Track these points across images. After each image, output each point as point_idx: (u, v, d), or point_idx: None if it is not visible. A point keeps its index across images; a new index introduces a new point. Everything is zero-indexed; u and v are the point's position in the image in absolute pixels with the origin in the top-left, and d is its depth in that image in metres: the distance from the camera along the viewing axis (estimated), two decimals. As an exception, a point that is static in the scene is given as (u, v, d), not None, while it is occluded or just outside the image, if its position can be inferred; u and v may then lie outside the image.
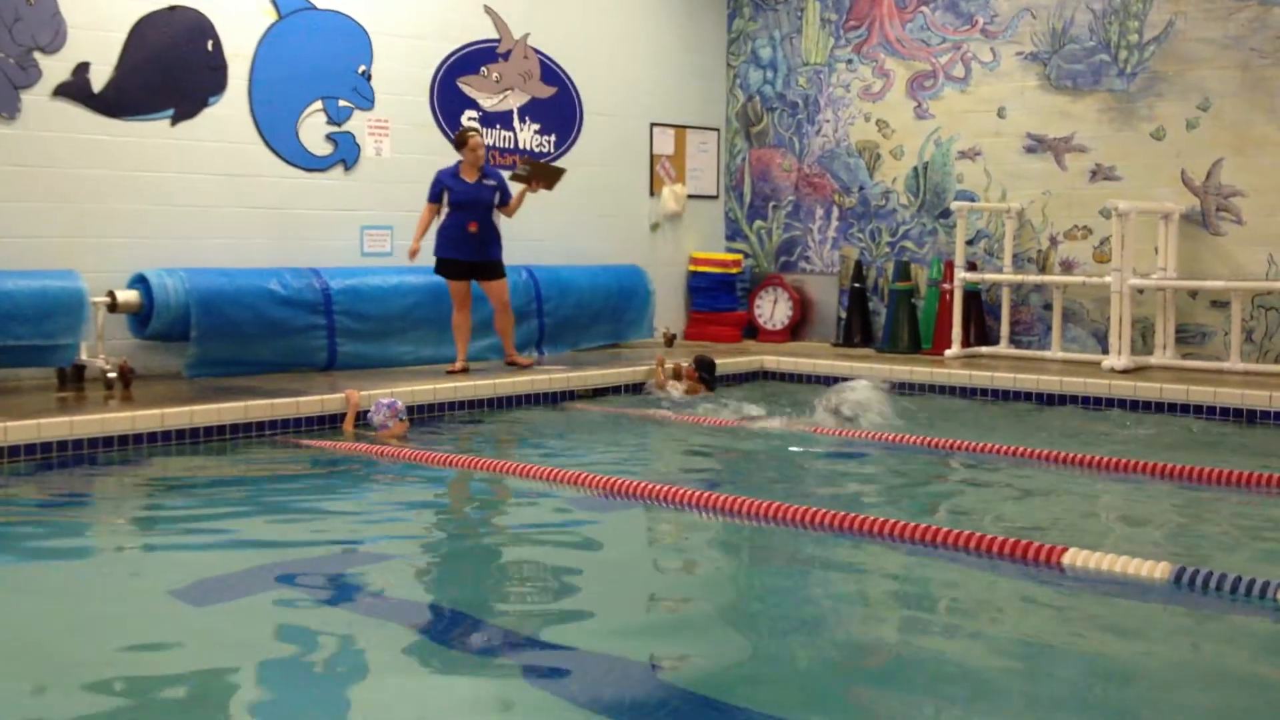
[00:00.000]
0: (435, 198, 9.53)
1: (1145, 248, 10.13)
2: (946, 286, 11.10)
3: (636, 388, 9.75)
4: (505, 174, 9.89)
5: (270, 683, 3.85)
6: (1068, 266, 10.87)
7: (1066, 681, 3.85)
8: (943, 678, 3.87)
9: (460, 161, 9.59)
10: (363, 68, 10.29)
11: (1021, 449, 7.30)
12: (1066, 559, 4.88)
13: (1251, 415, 8.45)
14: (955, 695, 3.73)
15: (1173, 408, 8.77)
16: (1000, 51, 11.23)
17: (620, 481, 6.34)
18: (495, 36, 11.16)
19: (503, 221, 9.79)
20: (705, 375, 9.74)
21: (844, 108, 12.22)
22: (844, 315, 12.06)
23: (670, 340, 11.64)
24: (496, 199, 9.62)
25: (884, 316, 11.67)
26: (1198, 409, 8.67)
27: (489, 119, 11.10)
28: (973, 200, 11.31)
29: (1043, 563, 4.92)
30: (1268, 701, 3.73)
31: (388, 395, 8.10)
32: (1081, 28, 10.76)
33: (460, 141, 9.62)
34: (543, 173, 9.89)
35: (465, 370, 9.46)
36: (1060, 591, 4.78)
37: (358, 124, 10.27)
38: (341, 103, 10.19)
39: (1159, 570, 4.68)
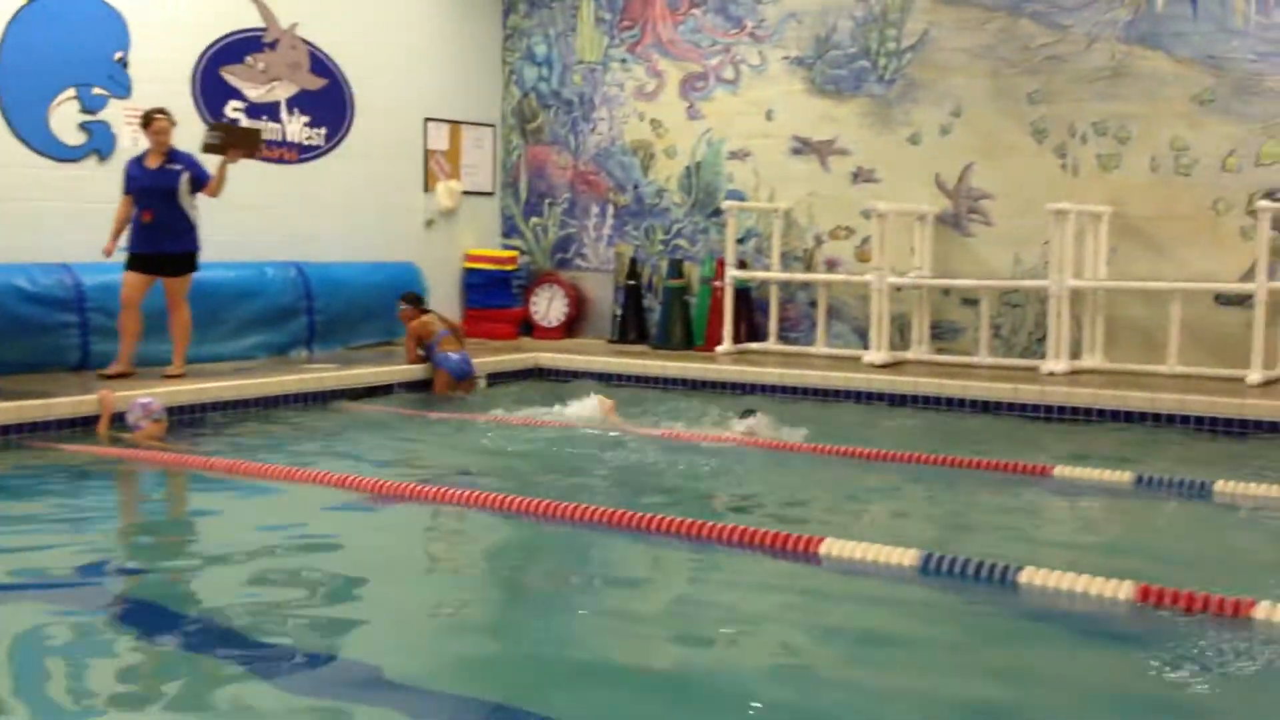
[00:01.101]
0: (126, 189, 8.91)
1: (903, 247, 10.58)
2: (718, 284, 11.34)
3: (412, 385, 9.63)
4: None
5: (9, 698, 3.65)
6: (832, 265, 11.26)
7: (829, 673, 4.00)
8: (710, 673, 3.96)
9: (148, 148, 8.95)
10: (119, 54, 9.84)
11: (785, 443, 7.53)
12: (823, 549, 5.05)
13: (997, 406, 8.92)
14: (722, 689, 3.82)
15: (927, 400, 9.19)
16: (768, 55, 11.54)
17: (387, 483, 6.25)
18: (261, 25, 10.84)
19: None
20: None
21: (619, 106, 12.35)
22: (619, 312, 12.18)
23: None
24: (184, 185, 8.83)
25: (658, 313, 11.84)
26: (949, 401, 9.10)
27: (255, 110, 10.78)
28: (742, 200, 11.58)
29: (802, 553, 5.08)
30: (1015, 689, 3.93)
31: (146, 395, 7.78)
32: (844, 34, 11.16)
33: (144, 123, 8.91)
34: (237, 138, 9.13)
35: (125, 375, 8.71)
36: (822, 582, 4.97)
37: (114, 113, 9.81)
38: (96, 91, 9.72)
39: (908, 557, 4.90)
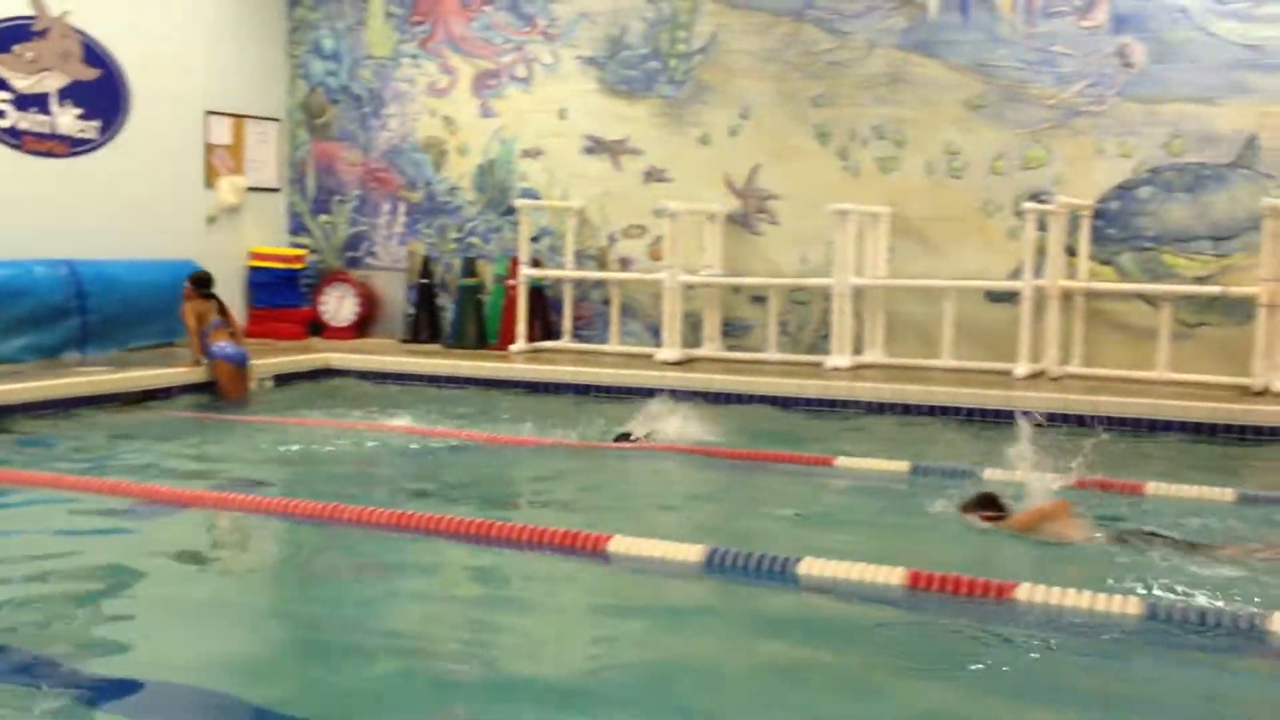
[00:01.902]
0: None
1: (694, 246, 10.75)
2: (512, 283, 11.32)
3: (190, 389, 9.31)
4: None
5: None
6: (625, 263, 11.36)
7: (622, 667, 4.03)
8: (497, 673, 3.95)
9: None
10: None
11: (587, 442, 7.57)
12: (612, 546, 5.09)
13: (785, 401, 9.16)
14: (507, 687, 3.81)
15: (719, 397, 9.36)
16: (561, 54, 11.57)
17: (162, 489, 6.03)
18: (30, 13, 10.29)
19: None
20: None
21: (410, 103, 12.18)
22: (412, 311, 12.03)
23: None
24: None
25: (451, 312, 11.74)
26: (739, 397, 9.29)
27: (23, 101, 10.23)
28: (536, 198, 11.58)
29: (590, 550, 5.11)
30: (795, 678, 4.04)
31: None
32: (635, 35, 11.27)
33: None
34: None
35: None
36: (613, 580, 5.01)
37: None
38: None
39: (694, 553, 4.98)
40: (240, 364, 9.40)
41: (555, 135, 11.63)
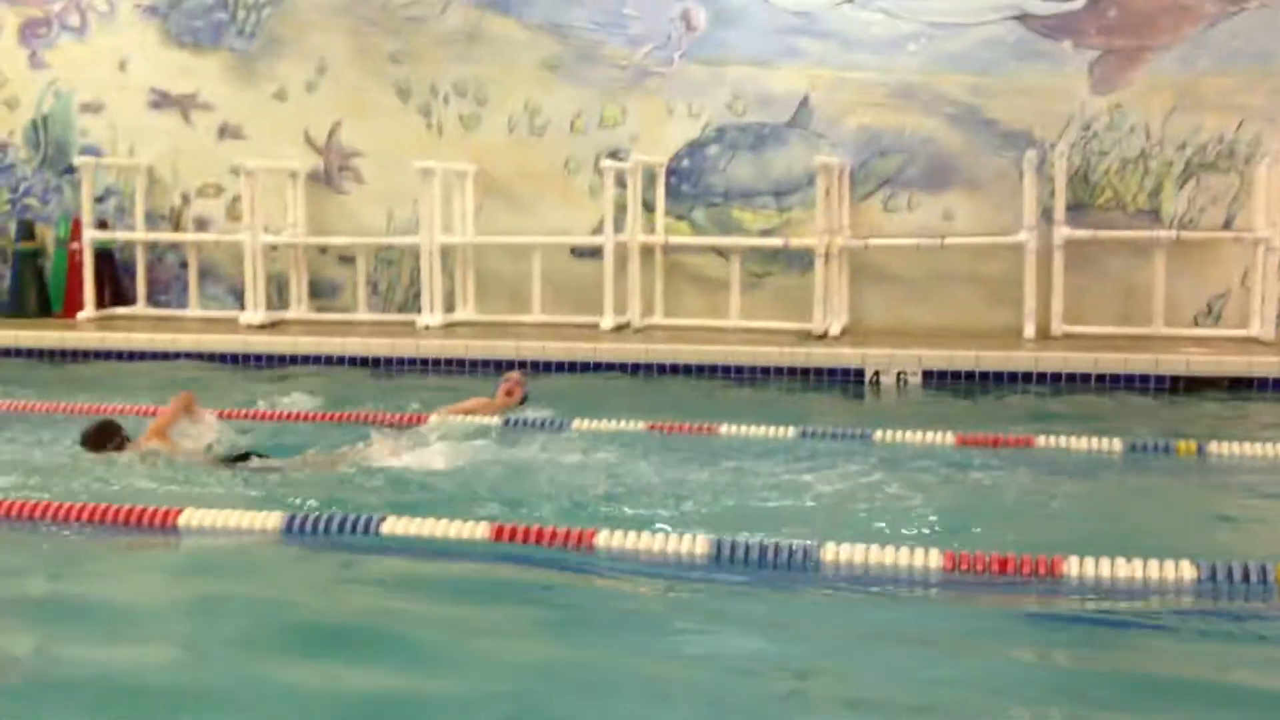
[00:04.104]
0: None
1: (276, 205, 10.36)
2: (75, 246, 10.53)
3: None
4: None
5: None
6: (202, 224, 10.81)
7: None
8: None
9: None
10: None
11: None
12: (182, 520, 4.85)
13: (377, 362, 9.01)
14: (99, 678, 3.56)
15: (308, 359, 9.08)
16: (117, 3, 10.79)
17: None
18: None
19: None
20: None
21: (-55, 51, 11.01)
22: (-40, 280, 10.94)
23: None
24: None
25: (8, 279, 10.79)
26: (329, 359, 9.06)
27: None
28: (99, 156, 10.79)
29: (160, 526, 4.85)
30: (386, 631, 3.99)
31: None
32: (200, -16, 10.68)
33: None
34: None
35: None
36: (183, 554, 4.78)
37: None
38: None
39: (271, 520, 4.82)
40: None
41: (117, 89, 10.87)
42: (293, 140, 10.61)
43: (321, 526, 4.75)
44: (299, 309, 10.42)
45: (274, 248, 10.25)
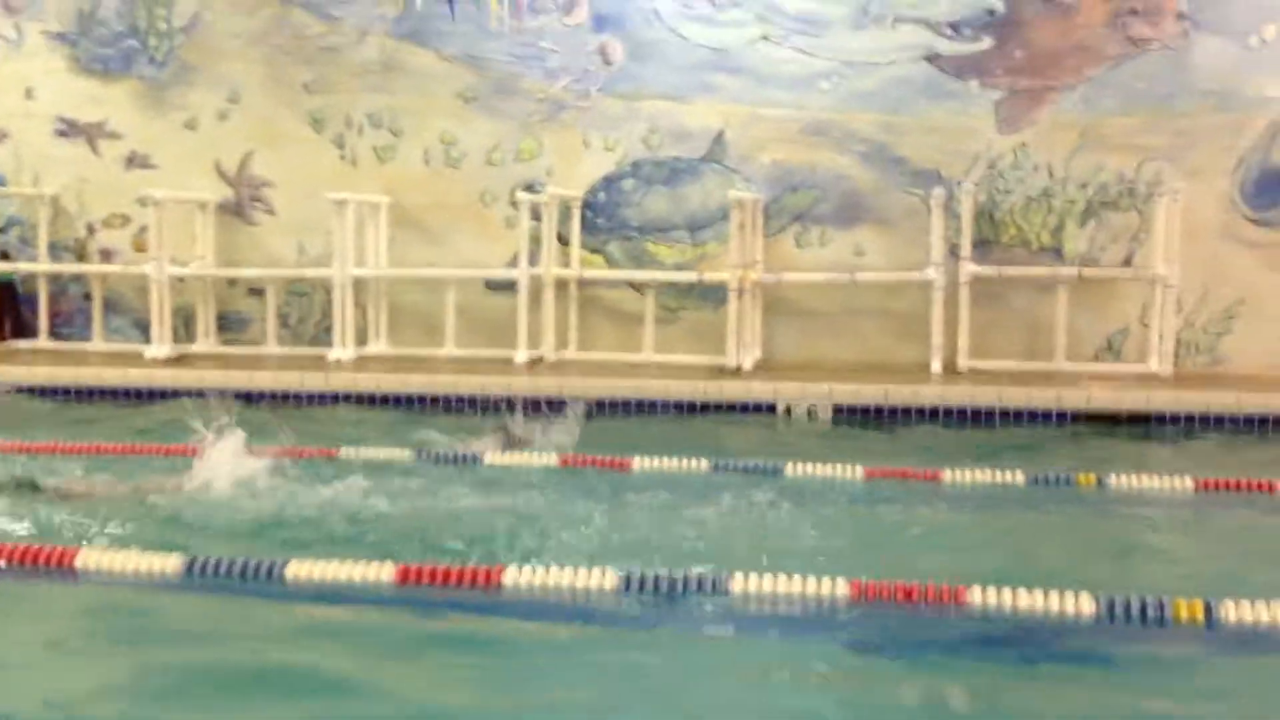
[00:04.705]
0: None
1: (184, 237, 10.22)
2: (-20, 278, 10.31)
3: None
4: None
5: None
6: (107, 255, 10.62)
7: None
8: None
9: None
10: None
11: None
12: (79, 561, 4.74)
13: (285, 397, 8.89)
14: None
15: (220, 393, 8.93)
16: (25, 29, 10.61)
17: None
18: None
19: None
20: None
21: None
22: None
23: None
24: None
25: (-96, 311, 10.50)
26: (238, 395, 8.90)
27: None
28: (2, 185, 10.59)
29: (57, 566, 4.73)
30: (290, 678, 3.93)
31: None
32: (110, 11, 10.52)
33: None
34: None
35: None
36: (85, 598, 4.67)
37: None
38: None
39: (170, 564, 4.73)
40: None
41: (23, 116, 10.66)
42: (203, 170, 10.48)
43: (223, 569, 4.67)
44: (207, 342, 10.27)
45: (181, 280, 10.10)
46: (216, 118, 10.47)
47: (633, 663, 4.09)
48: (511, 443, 7.28)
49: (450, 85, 10.22)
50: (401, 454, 6.90)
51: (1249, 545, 5.59)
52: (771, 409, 8.44)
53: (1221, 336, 9.42)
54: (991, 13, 9.52)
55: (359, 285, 9.94)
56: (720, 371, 9.24)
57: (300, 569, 4.66)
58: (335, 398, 8.89)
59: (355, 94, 10.31)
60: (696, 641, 4.34)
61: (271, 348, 10.11)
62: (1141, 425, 8.00)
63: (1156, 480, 6.29)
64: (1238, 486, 6.27)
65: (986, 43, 9.56)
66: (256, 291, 10.40)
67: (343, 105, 10.33)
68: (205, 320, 10.30)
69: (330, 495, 5.74)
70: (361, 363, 9.71)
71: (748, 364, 9.36)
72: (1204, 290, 9.36)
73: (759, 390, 8.64)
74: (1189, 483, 6.26)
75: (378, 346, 10.13)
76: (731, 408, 8.59)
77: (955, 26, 9.59)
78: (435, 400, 8.79)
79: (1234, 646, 4.20)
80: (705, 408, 8.59)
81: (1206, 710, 3.80)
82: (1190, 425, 7.97)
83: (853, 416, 8.30)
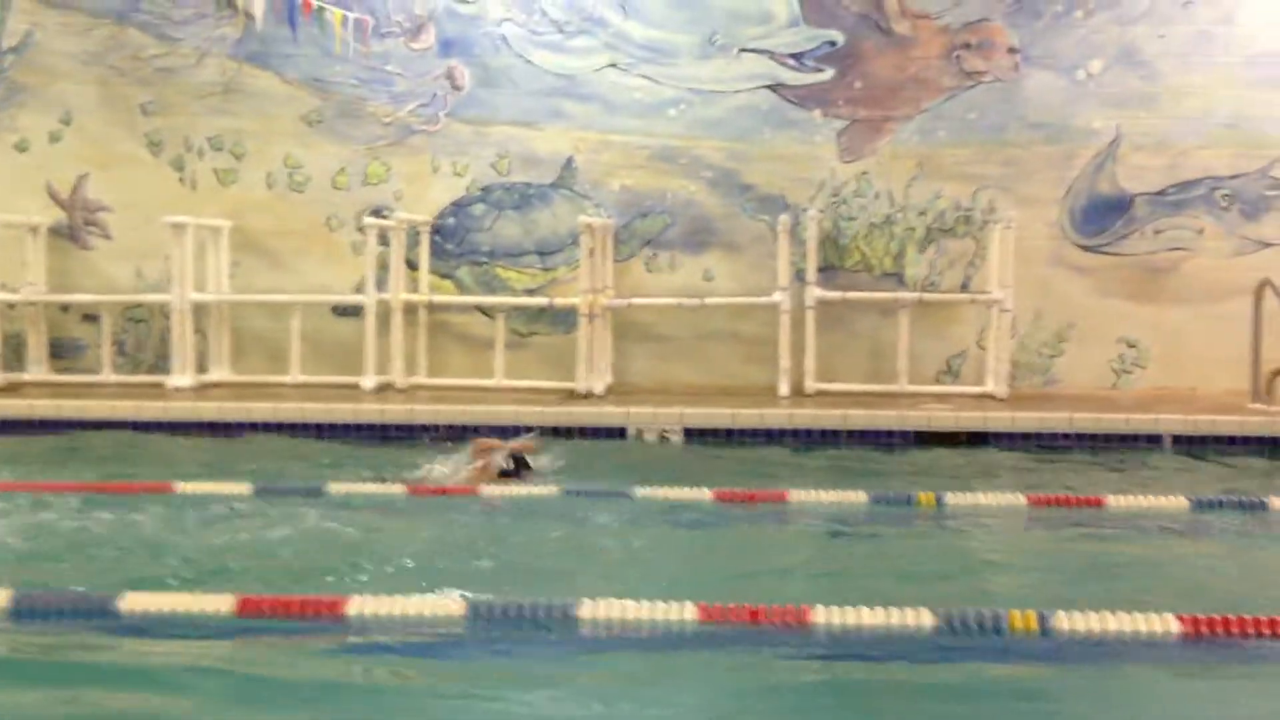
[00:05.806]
0: None
1: (14, 261, 9.85)
2: None
3: None
4: None
5: None
6: (-70, 281, 10.15)
7: None
8: None
9: None
10: None
11: None
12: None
13: (122, 425, 8.58)
14: None
15: (45, 424, 8.60)
16: None
17: None
18: None
19: None
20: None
21: None
22: None
23: None
24: None
25: None
26: (70, 424, 8.60)
27: None
28: None
29: None
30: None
31: None
32: (-67, 27, 10.10)
33: None
34: None
35: None
36: None
37: None
38: None
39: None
40: None
41: None
42: (34, 193, 10.11)
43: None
44: (38, 370, 9.88)
45: (11, 306, 9.71)
46: (48, 139, 10.12)
47: (479, 692, 4.05)
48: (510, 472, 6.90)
49: (294, 108, 10.05)
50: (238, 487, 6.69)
51: (1080, 558, 5.79)
52: (623, 433, 8.47)
53: (1054, 358, 9.78)
54: (833, 44, 9.76)
55: (200, 311, 9.68)
56: (571, 396, 9.24)
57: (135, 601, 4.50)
58: (173, 426, 8.62)
59: (195, 116, 10.07)
60: (543, 667, 4.31)
61: (107, 375, 9.77)
62: (979, 444, 8.24)
63: (993, 498, 6.48)
64: (1068, 503, 6.49)
65: (828, 73, 9.79)
66: (91, 318, 10.05)
67: (182, 127, 10.08)
68: (37, 347, 9.91)
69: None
70: (202, 390, 9.45)
71: (599, 388, 9.38)
72: (1036, 314, 9.71)
73: (610, 414, 8.66)
74: (1022, 500, 6.47)
75: (220, 373, 9.87)
76: (583, 432, 8.58)
77: (798, 57, 9.80)
78: (280, 427, 8.59)
79: (1068, 655, 4.33)
80: (556, 431, 8.56)
81: (1043, 714, 3.92)
82: (1026, 443, 8.24)
83: (703, 439, 8.38)
